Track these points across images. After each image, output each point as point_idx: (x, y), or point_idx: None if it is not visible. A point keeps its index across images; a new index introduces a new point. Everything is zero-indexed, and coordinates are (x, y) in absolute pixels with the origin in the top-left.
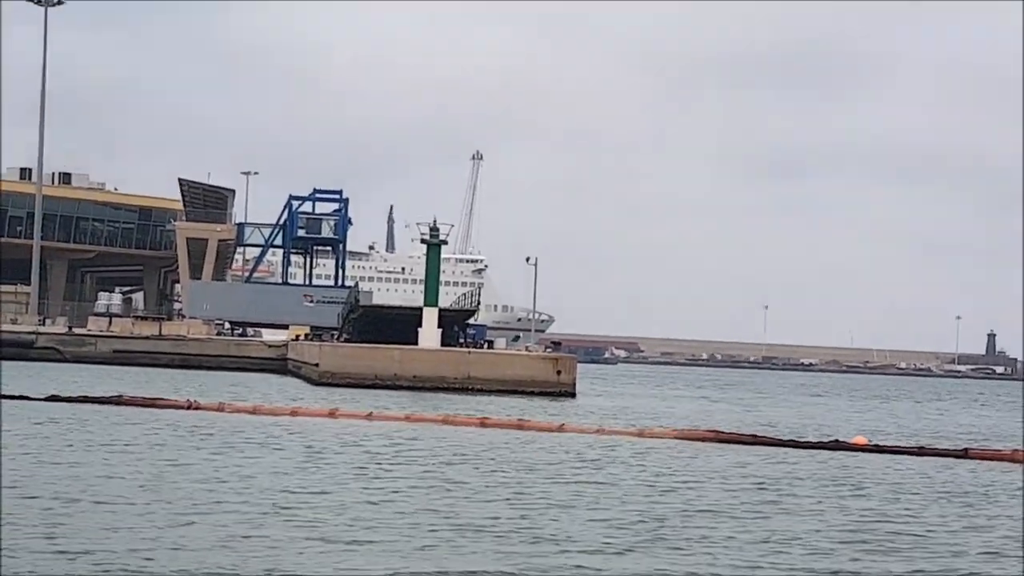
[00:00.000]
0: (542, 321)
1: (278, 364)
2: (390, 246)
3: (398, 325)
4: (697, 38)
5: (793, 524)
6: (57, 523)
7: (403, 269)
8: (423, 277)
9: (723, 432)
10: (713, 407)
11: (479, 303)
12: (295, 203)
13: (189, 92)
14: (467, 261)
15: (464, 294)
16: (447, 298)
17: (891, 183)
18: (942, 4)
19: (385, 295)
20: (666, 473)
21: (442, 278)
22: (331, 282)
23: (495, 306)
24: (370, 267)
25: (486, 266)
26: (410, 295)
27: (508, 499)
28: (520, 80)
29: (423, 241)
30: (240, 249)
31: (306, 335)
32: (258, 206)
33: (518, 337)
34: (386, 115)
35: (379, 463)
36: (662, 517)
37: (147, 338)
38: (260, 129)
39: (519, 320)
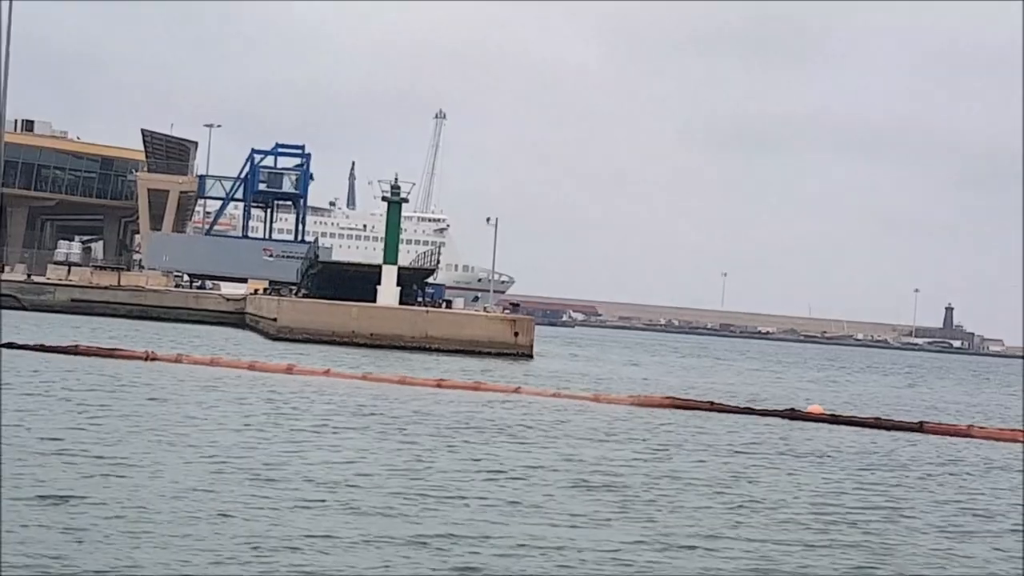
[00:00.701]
0: (503, 282)
1: (236, 318)
2: (351, 202)
3: (357, 282)
4: (667, 7)
5: (756, 492)
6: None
7: (364, 226)
8: (384, 235)
9: (679, 398)
10: (670, 373)
11: (438, 262)
12: (257, 157)
13: (154, 44)
14: (429, 220)
15: (424, 253)
16: (408, 256)
17: (855, 157)
18: None
19: (346, 252)
20: (626, 440)
21: (403, 236)
22: (291, 237)
23: (456, 266)
24: (332, 223)
25: (448, 225)
26: (371, 252)
27: (471, 463)
28: (489, 43)
29: (384, 199)
30: (201, 201)
31: (265, 289)
32: (220, 159)
33: (477, 297)
34: (351, 72)
35: (335, 421)
36: (627, 485)
37: (106, 288)
38: (224, 82)
39: (480, 280)
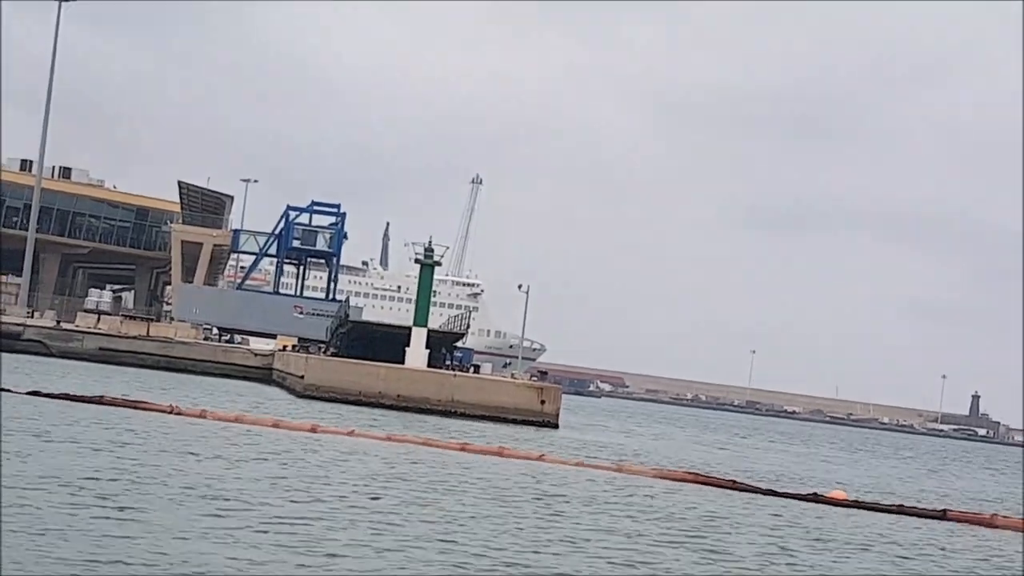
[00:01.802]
0: (534, 350)
1: (263, 373)
2: (384, 263)
3: (386, 343)
4: (706, 83)
5: None
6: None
7: (399, 288)
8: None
9: (701, 474)
10: (694, 448)
11: (468, 326)
12: (292, 213)
13: (193, 97)
14: (463, 284)
15: (454, 316)
16: (441, 320)
17: (887, 240)
18: (949, 67)
19: (379, 312)
20: (653, 516)
21: (437, 299)
22: (323, 295)
23: (489, 331)
24: (366, 283)
25: (482, 291)
26: (404, 314)
27: (497, 532)
28: (526, 109)
29: (417, 261)
30: (235, 256)
31: (293, 346)
32: (256, 214)
33: (508, 363)
34: (389, 132)
35: (357, 483)
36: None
37: (134, 338)
38: (263, 138)
39: (511, 347)
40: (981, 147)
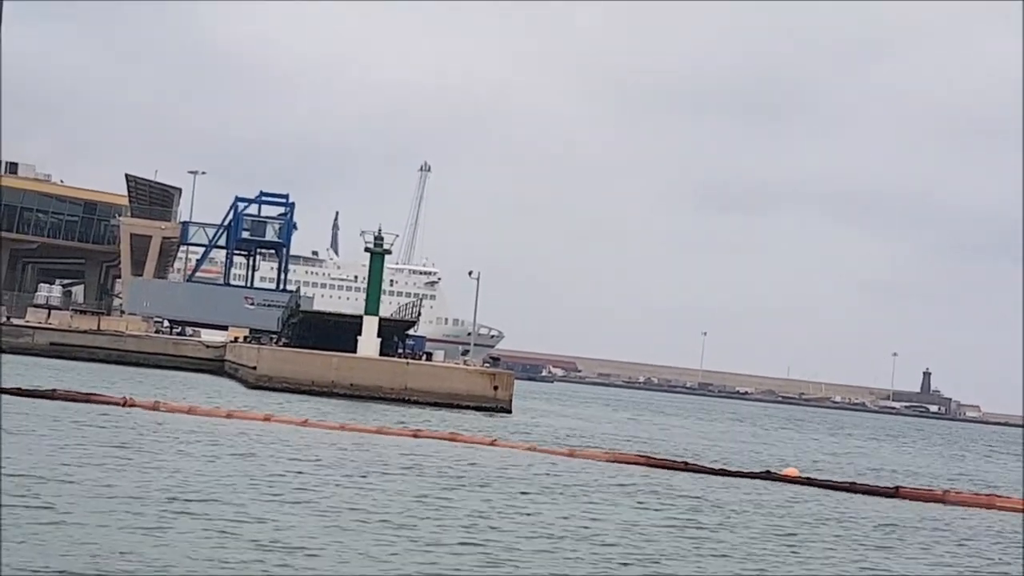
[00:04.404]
0: (492, 336)
1: (215, 365)
2: (334, 252)
3: (338, 332)
4: (658, 65)
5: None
6: None
7: (355, 277)
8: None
9: (653, 456)
10: (647, 429)
11: (419, 314)
12: (241, 205)
13: (140, 90)
14: (420, 272)
15: (406, 304)
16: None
17: (839, 220)
18: (904, 47)
19: (336, 302)
20: (608, 500)
21: (394, 288)
22: (274, 285)
23: (446, 319)
24: (323, 273)
25: (439, 279)
26: (361, 303)
27: (455, 525)
28: (475, 95)
29: (367, 250)
30: (184, 248)
31: (245, 337)
32: (204, 206)
33: (467, 351)
34: (338, 122)
35: (307, 471)
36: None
37: (85, 332)
38: (211, 130)
39: (469, 334)
40: (932, 126)
